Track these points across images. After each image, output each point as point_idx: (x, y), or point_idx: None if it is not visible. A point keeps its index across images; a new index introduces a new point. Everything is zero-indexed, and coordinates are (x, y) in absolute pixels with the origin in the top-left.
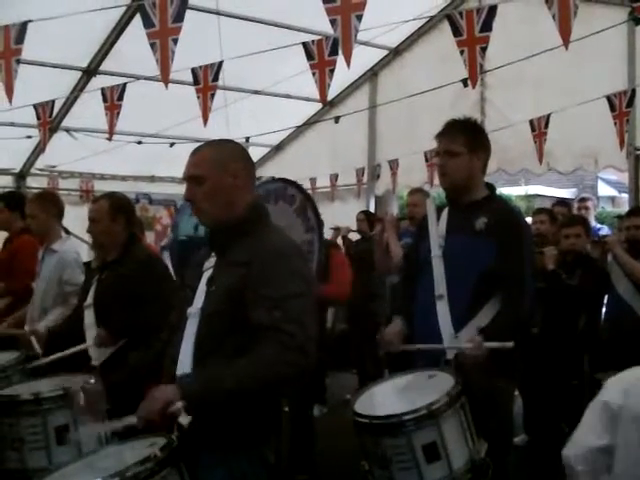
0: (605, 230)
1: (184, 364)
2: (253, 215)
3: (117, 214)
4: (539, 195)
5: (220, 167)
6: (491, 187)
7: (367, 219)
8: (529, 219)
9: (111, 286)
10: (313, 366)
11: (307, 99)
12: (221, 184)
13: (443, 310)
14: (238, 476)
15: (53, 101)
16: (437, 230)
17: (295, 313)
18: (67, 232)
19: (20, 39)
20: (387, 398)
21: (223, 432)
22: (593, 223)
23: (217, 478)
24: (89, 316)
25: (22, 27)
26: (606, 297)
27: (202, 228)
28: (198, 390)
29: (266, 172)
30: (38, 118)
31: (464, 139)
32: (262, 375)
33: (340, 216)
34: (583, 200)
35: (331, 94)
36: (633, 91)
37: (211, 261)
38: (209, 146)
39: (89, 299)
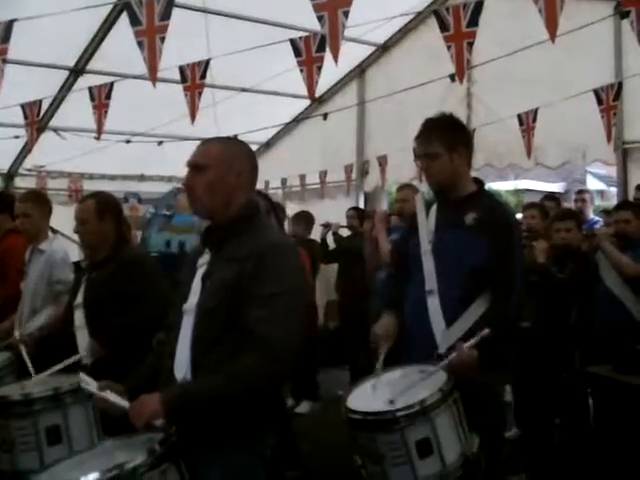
0: (601, 224)
1: (181, 361)
2: (247, 212)
3: (105, 213)
4: (528, 190)
5: (226, 162)
6: (479, 182)
7: (357, 215)
8: (519, 215)
9: (101, 286)
10: (290, 367)
11: (295, 96)
12: (223, 179)
13: (434, 305)
14: (238, 472)
15: (40, 101)
16: (427, 226)
17: (280, 312)
18: (54, 231)
19: (6, 38)
20: (380, 394)
21: (221, 428)
22: (591, 216)
23: (217, 475)
24: (79, 316)
25: (8, 26)
26: None
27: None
28: (178, 406)
29: None
30: (25, 118)
31: (441, 139)
32: (234, 388)
33: (329, 213)
34: (580, 192)
35: (319, 91)
36: (620, 84)
37: (205, 257)
38: (219, 140)
39: (79, 299)
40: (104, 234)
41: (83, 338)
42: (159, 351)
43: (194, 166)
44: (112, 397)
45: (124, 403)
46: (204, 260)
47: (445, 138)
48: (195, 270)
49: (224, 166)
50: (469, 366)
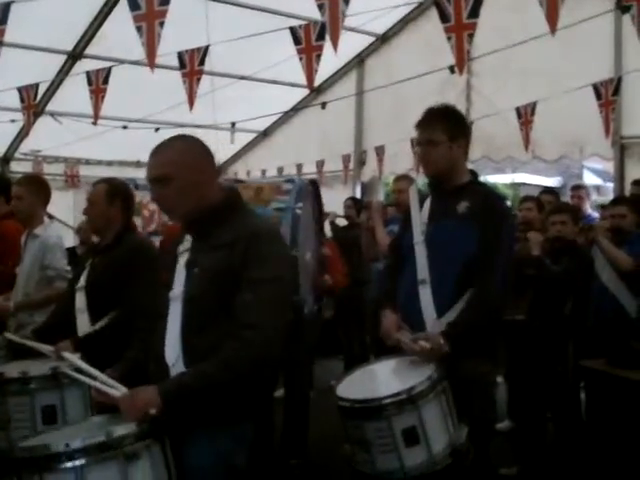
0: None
1: (172, 347)
2: (230, 200)
3: (114, 198)
4: (525, 183)
5: (185, 165)
6: (474, 173)
7: (355, 206)
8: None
9: (104, 270)
10: (279, 352)
11: (294, 85)
12: (189, 182)
13: (426, 295)
14: (224, 455)
15: (37, 84)
16: (420, 217)
17: (268, 298)
18: (50, 217)
19: (3, 20)
20: (370, 382)
21: (208, 411)
22: (589, 211)
23: (205, 458)
24: (80, 299)
25: (5, 8)
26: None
27: None
28: (174, 396)
29: (253, 158)
30: (22, 101)
31: (444, 128)
32: (223, 376)
33: (326, 202)
34: (575, 188)
35: (318, 80)
36: (619, 79)
37: (186, 245)
38: (168, 145)
39: (81, 282)
40: (110, 218)
41: (83, 320)
42: (143, 338)
43: (156, 180)
44: (106, 382)
45: (115, 392)
46: (185, 247)
47: (447, 127)
48: (176, 257)
49: (185, 170)
50: (435, 353)
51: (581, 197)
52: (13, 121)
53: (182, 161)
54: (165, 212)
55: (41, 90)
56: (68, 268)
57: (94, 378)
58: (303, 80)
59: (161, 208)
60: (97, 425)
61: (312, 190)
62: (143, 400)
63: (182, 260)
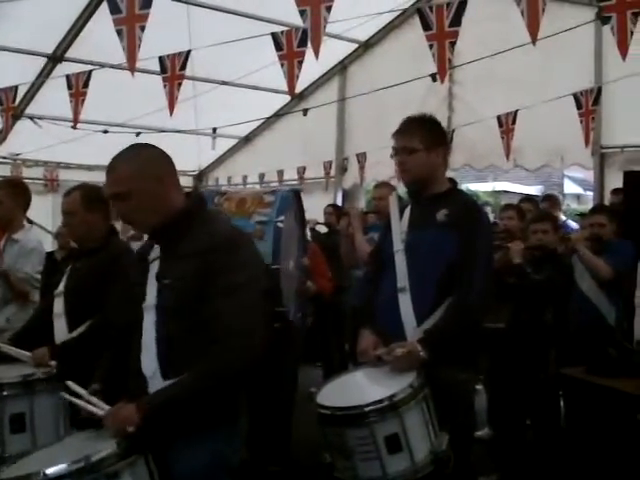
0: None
1: (149, 359)
2: (195, 207)
3: (92, 205)
4: (506, 192)
5: (142, 178)
6: (453, 182)
7: (335, 212)
8: (491, 215)
9: (86, 274)
10: (261, 354)
11: (276, 91)
12: (150, 194)
13: (405, 303)
14: (218, 458)
15: (16, 87)
16: (400, 225)
17: (248, 303)
18: (30, 222)
19: None
20: (350, 390)
21: (198, 414)
22: (562, 219)
23: (199, 461)
24: (58, 304)
25: None
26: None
27: None
28: (156, 411)
29: (234, 164)
30: (1, 104)
31: (421, 136)
32: (209, 384)
33: (307, 209)
34: (545, 199)
35: (300, 87)
36: (599, 89)
37: (155, 252)
38: (124, 159)
39: (60, 287)
40: (92, 225)
41: (60, 327)
42: (114, 350)
43: (115, 197)
44: (92, 405)
45: (100, 411)
46: (154, 255)
47: (425, 136)
48: (147, 267)
49: (143, 182)
50: (413, 360)
51: (551, 207)
52: None
53: (141, 174)
54: (132, 226)
55: (20, 92)
56: (38, 277)
57: (79, 397)
58: (285, 86)
59: (126, 223)
60: (77, 445)
61: (294, 199)
62: (121, 418)
63: (153, 270)
